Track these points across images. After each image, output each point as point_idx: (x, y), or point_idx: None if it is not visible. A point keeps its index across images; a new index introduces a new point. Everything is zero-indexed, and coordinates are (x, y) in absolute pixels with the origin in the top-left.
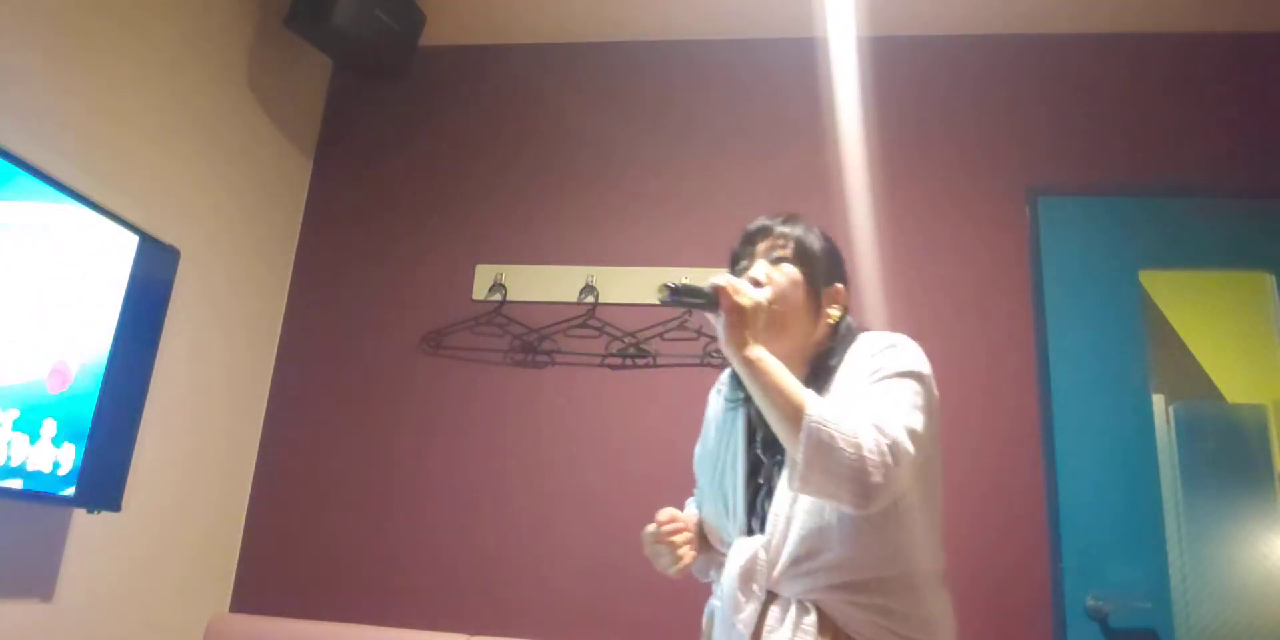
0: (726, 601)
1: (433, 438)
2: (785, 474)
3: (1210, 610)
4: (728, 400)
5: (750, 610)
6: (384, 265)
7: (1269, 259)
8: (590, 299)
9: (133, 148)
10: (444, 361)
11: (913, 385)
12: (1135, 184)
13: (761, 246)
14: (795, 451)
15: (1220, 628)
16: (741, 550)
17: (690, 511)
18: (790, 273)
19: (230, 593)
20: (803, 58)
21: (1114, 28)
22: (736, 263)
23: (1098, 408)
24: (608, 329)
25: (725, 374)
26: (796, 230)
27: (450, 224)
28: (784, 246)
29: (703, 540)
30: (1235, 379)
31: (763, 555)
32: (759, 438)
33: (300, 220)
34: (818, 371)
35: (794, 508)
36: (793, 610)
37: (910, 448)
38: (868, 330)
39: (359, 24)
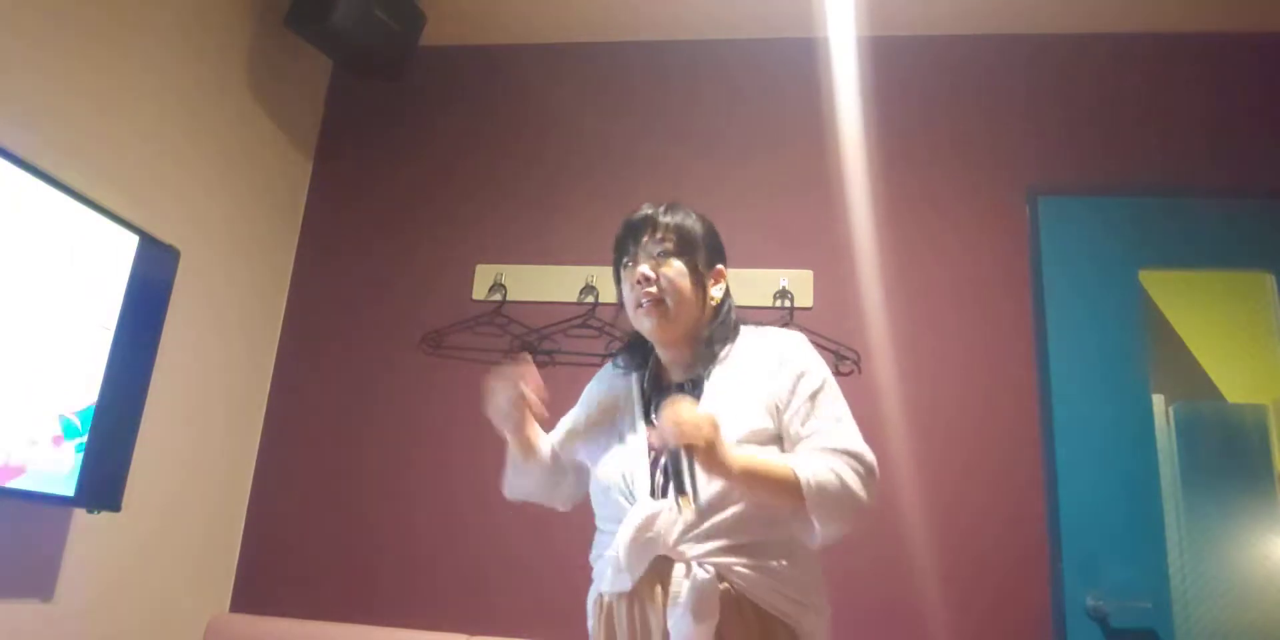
0: (620, 552)
1: (432, 437)
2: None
3: (1210, 610)
4: (616, 367)
5: (640, 564)
6: (384, 265)
7: (1269, 259)
8: (590, 299)
9: (133, 148)
10: (444, 361)
11: (836, 389)
12: (1135, 184)
13: (644, 239)
14: (806, 514)
15: (1220, 628)
16: (642, 508)
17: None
18: (676, 267)
19: (230, 593)
20: (803, 58)
21: (1114, 28)
22: (622, 253)
23: (1098, 408)
24: (608, 329)
25: (619, 352)
26: (677, 219)
27: (450, 224)
28: (667, 239)
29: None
30: (1235, 379)
31: (665, 515)
32: (654, 406)
33: (300, 220)
34: (705, 352)
35: (693, 469)
36: (694, 571)
37: (872, 457)
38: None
39: (359, 24)
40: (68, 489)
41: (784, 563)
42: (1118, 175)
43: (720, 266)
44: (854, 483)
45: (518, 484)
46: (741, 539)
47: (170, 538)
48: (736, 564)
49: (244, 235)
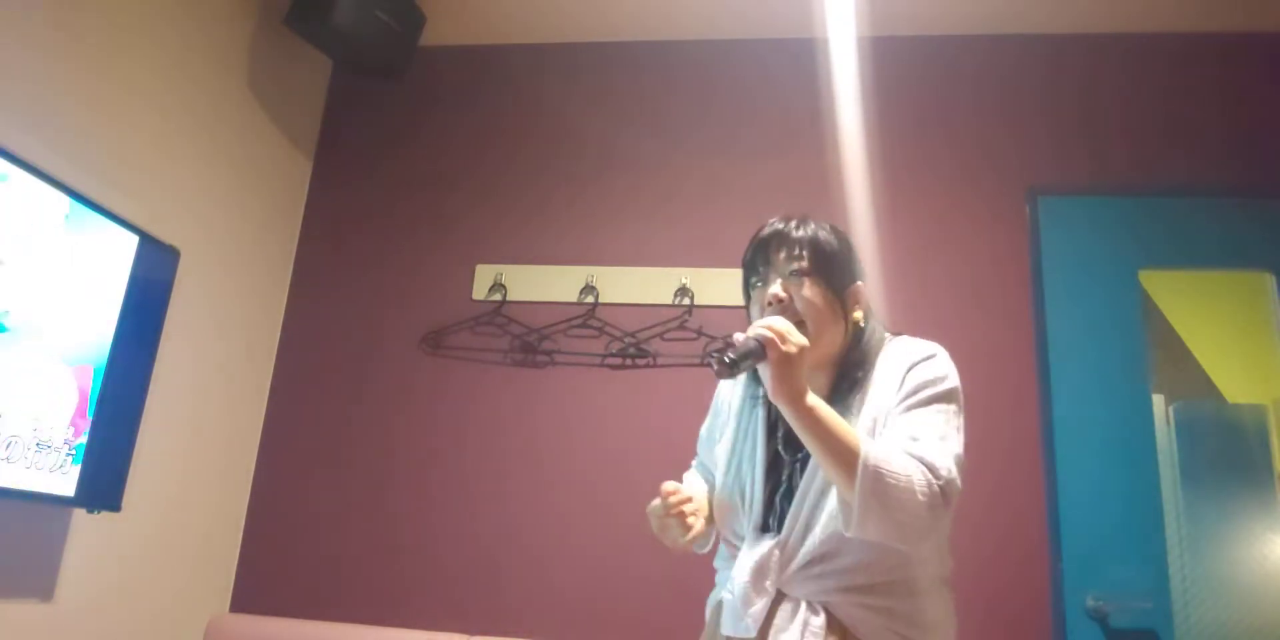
0: (737, 596)
1: (433, 438)
2: (806, 475)
3: (1210, 610)
4: (749, 396)
5: (760, 606)
6: (384, 265)
7: (1269, 259)
8: (590, 299)
9: (133, 148)
10: (444, 361)
11: (952, 407)
12: (1135, 184)
13: (777, 257)
14: (850, 496)
15: (1220, 628)
16: (756, 547)
17: (690, 483)
18: (812, 289)
19: (230, 593)
20: (803, 58)
21: (1113, 28)
22: (750, 273)
23: (1098, 408)
24: (608, 329)
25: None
26: (810, 233)
27: (450, 224)
28: (800, 257)
29: (709, 514)
30: (1235, 379)
31: (777, 554)
32: (780, 434)
33: (300, 220)
34: (845, 378)
35: (815, 510)
36: (802, 610)
37: (959, 483)
38: (889, 330)
39: (359, 24)
40: (68, 489)
41: (905, 601)
42: (1118, 175)
43: (860, 284)
44: (920, 493)
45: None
46: (859, 580)
47: (170, 538)
48: (848, 602)
49: (244, 235)
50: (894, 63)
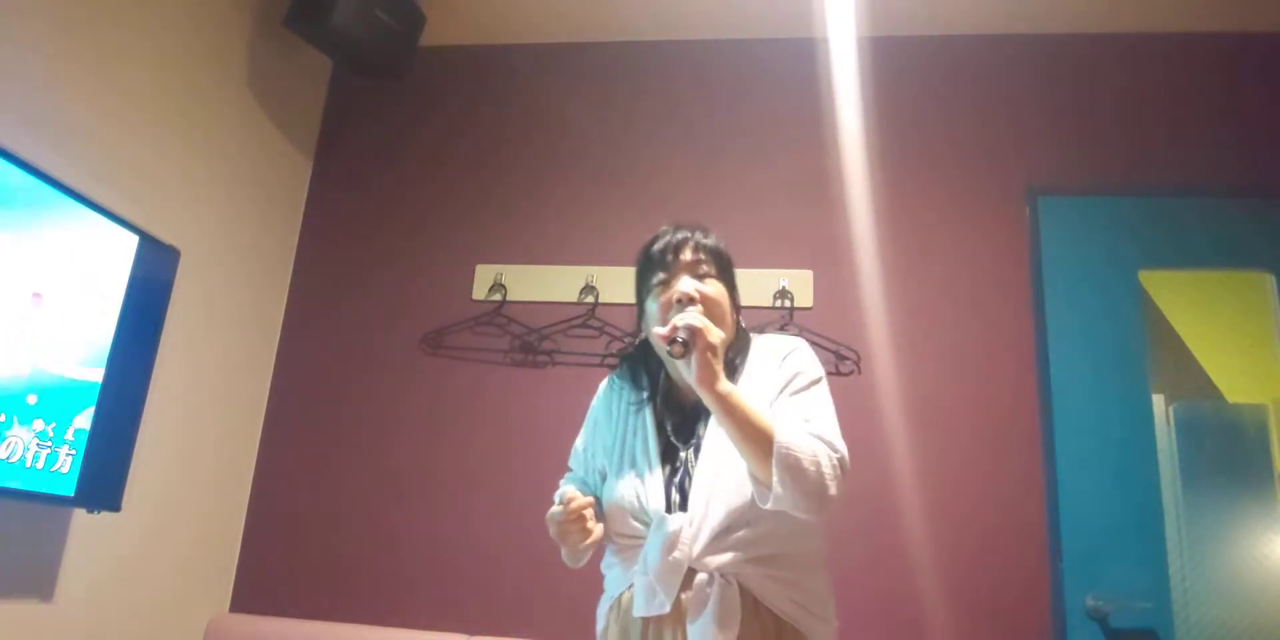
0: (653, 574)
1: (433, 438)
2: (702, 458)
3: (1210, 610)
4: (630, 403)
5: (674, 582)
6: (384, 265)
7: (1269, 259)
8: (590, 299)
9: (133, 148)
10: (444, 361)
11: (825, 389)
12: (1135, 184)
13: (685, 259)
14: (765, 474)
15: (1220, 628)
16: (665, 524)
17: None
18: (718, 288)
19: (230, 593)
20: (803, 58)
21: (1113, 28)
22: (657, 270)
23: (1098, 408)
24: (608, 329)
25: (620, 374)
26: (712, 241)
27: (450, 224)
28: (707, 261)
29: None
30: (1235, 379)
31: (687, 529)
32: (669, 426)
33: (300, 220)
34: (726, 367)
35: (713, 488)
36: (716, 580)
37: (846, 455)
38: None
39: (359, 24)
40: (68, 489)
41: (800, 574)
42: (1117, 175)
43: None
44: (826, 468)
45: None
46: (762, 551)
47: (170, 538)
48: (756, 574)
49: (244, 235)
50: (894, 63)
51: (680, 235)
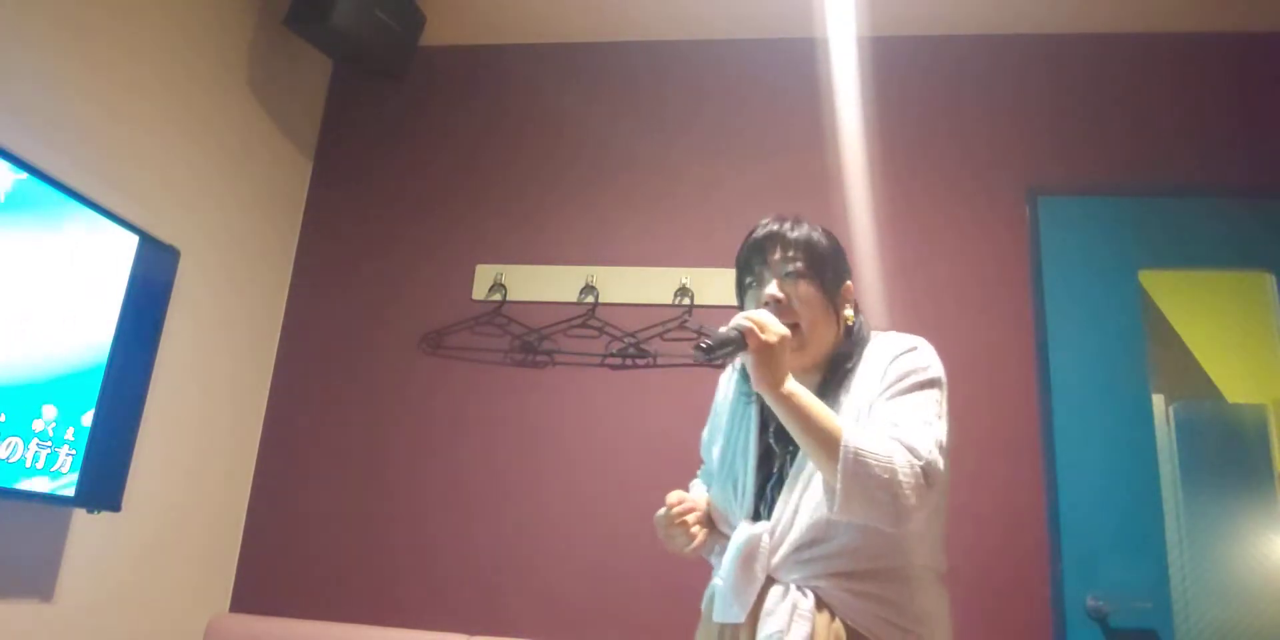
0: (727, 581)
1: (432, 438)
2: (796, 464)
3: (1210, 610)
4: (742, 394)
5: (751, 590)
6: (384, 265)
7: (1269, 259)
8: (590, 299)
9: (133, 148)
10: (444, 361)
11: (935, 394)
12: (1135, 184)
13: (773, 257)
14: (833, 479)
15: (1220, 628)
16: (746, 533)
17: (697, 493)
18: (807, 289)
19: (230, 593)
20: (803, 58)
21: (1114, 28)
22: (745, 273)
23: (1098, 408)
24: (608, 329)
25: (739, 362)
26: (804, 234)
27: (450, 224)
28: (795, 258)
29: (711, 521)
30: (1235, 379)
31: (766, 540)
32: (772, 427)
33: (300, 220)
34: (835, 373)
35: (802, 497)
36: (792, 592)
37: (942, 466)
38: (876, 328)
39: (359, 24)
40: (68, 489)
41: (892, 589)
42: (1118, 175)
43: (849, 283)
44: (903, 475)
45: None
46: (847, 566)
47: (170, 538)
48: (837, 587)
49: (244, 235)
50: (894, 63)
51: (764, 231)
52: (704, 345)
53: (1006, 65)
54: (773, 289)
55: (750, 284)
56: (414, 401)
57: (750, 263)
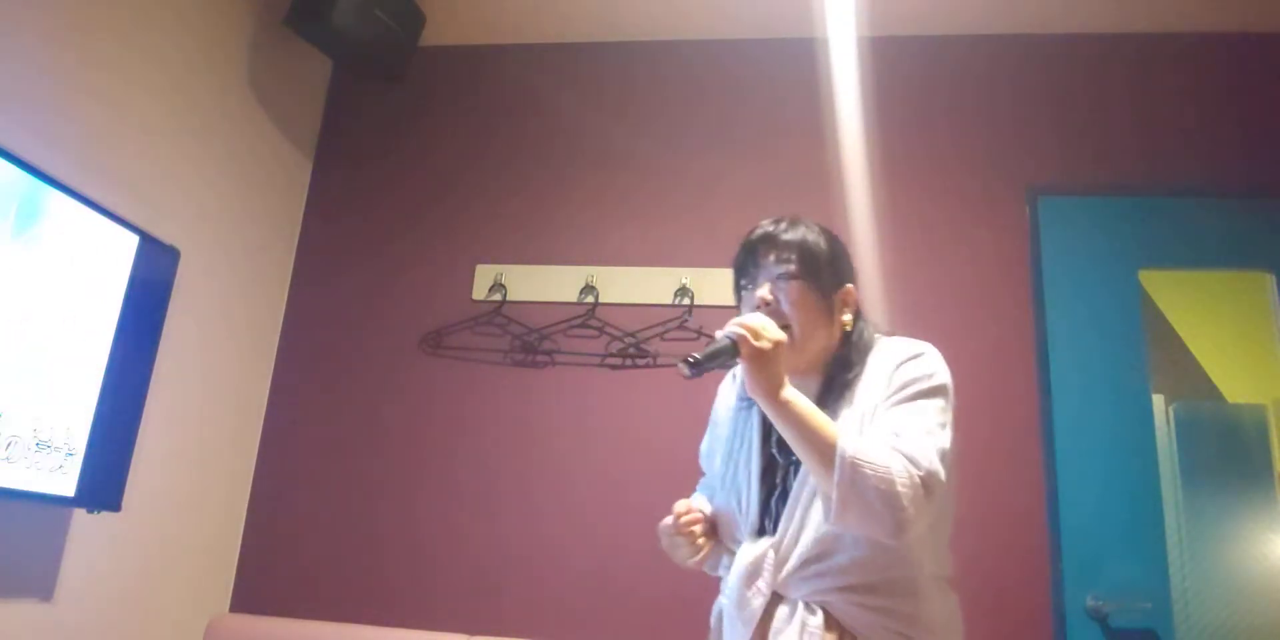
0: (732, 600)
1: (432, 438)
2: (799, 477)
3: (1210, 610)
4: (741, 400)
5: (756, 608)
6: (384, 265)
7: (1269, 259)
8: (590, 299)
9: (133, 147)
10: (444, 361)
11: (940, 402)
12: (1135, 184)
13: (766, 259)
14: (829, 489)
15: (1220, 628)
16: (751, 549)
17: (700, 502)
18: (800, 291)
19: (230, 593)
20: (803, 58)
21: (1115, 28)
22: (740, 276)
23: (1098, 408)
24: (608, 329)
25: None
26: (798, 236)
27: (450, 224)
28: (789, 259)
29: (716, 532)
30: (1235, 379)
31: (771, 555)
32: (774, 438)
33: (300, 220)
34: (835, 380)
35: (808, 511)
36: (800, 610)
37: (943, 475)
38: (881, 331)
39: (359, 24)
40: (68, 489)
41: (901, 601)
42: (1118, 175)
43: (850, 286)
44: (900, 485)
45: None
46: (855, 579)
47: (170, 538)
48: (845, 602)
49: (244, 235)
50: (894, 62)
51: (759, 233)
52: (691, 359)
53: (1006, 65)
54: (763, 292)
55: (745, 286)
56: (414, 402)
57: (744, 265)
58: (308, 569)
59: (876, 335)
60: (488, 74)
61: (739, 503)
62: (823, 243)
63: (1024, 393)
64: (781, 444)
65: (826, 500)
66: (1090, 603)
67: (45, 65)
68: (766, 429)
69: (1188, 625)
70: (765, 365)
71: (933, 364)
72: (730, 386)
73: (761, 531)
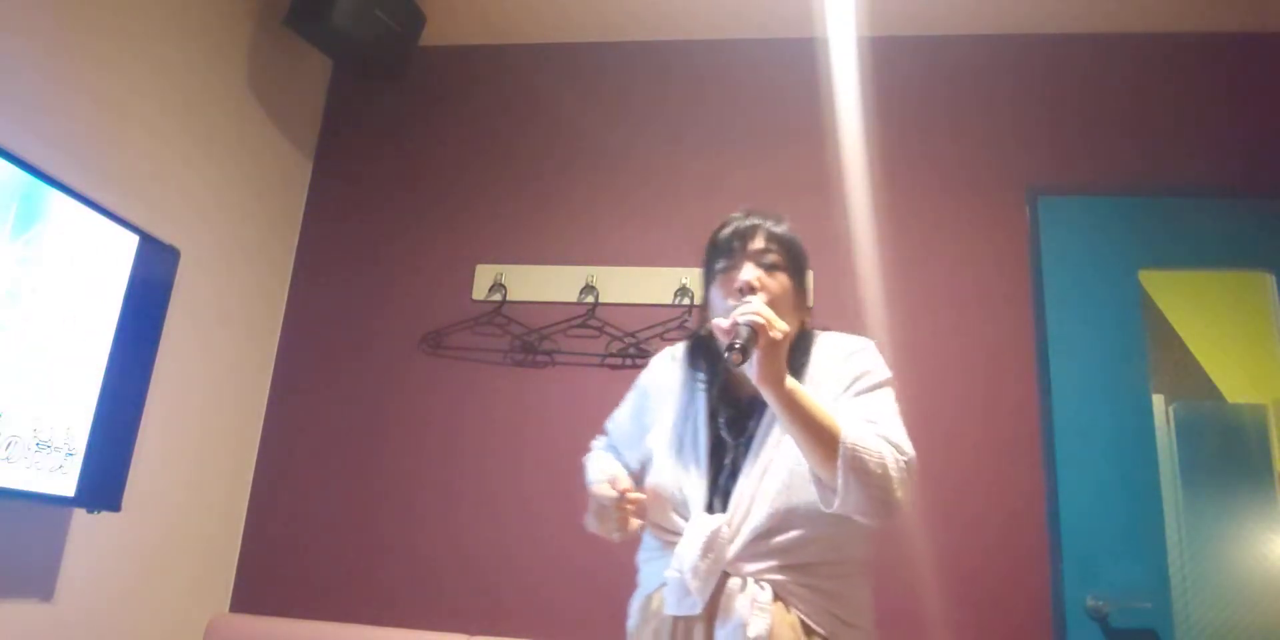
0: (686, 573)
1: (432, 438)
2: (750, 456)
3: (1210, 610)
4: (697, 382)
5: (709, 581)
6: (384, 265)
7: (1269, 259)
8: (590, 299)
9: (133, 148)
10: (444, 361)
11: (891, 392)
12: (1135, 184)
13: (754, 246)
14: (831, 475)
15: (1220, 628)
16: (703, 526)
17: (623, 474)
18: (782, 281)
19: (230, 593)
20: (803, 58)
21: (1114, 28)
22: (721, 256)
23: (1098, 408)
24: (608, 329)
25: (683, 348)
26: (784, 230)
27: (450, 224)
28: (776, 251)
29: (643, 512)
30: (1235, 379)
31: (725, 531)
32: (722, 419)
33: (300, 220)
34: (789, 366)
35: (758, 489)
36: (750, 585)
37: (915, 459)
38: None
39: (359, 24)
40: (68, 489)
41: (839, 583)
42: (1118, 175)
43: (809, 285)
44: (894, 471)
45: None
46: (801, 558)
47: (170, 538)
48: (792, 582)
49: (244, 235)
50: (894, 62)
51: (750, 222)
52: (738, 347)
53: (1007, 65)
54: (750, 275)
55: (723, 268)
56: (414, 401)
57: (730, 247)
58: (308, 569)
59: (815, 330)
60: (488, 74)
61: (684, 483)
62: (798, 241)
63: (1024, 393)
64: (731, 425)
65: (825, 485)
66: (1090, 602)
67: (45, 66)
68: (713, 410)
69: (1188, 625)
70: (777, 354)
71: (878, 357)
72: (668, 364)
73: (710, 510)
